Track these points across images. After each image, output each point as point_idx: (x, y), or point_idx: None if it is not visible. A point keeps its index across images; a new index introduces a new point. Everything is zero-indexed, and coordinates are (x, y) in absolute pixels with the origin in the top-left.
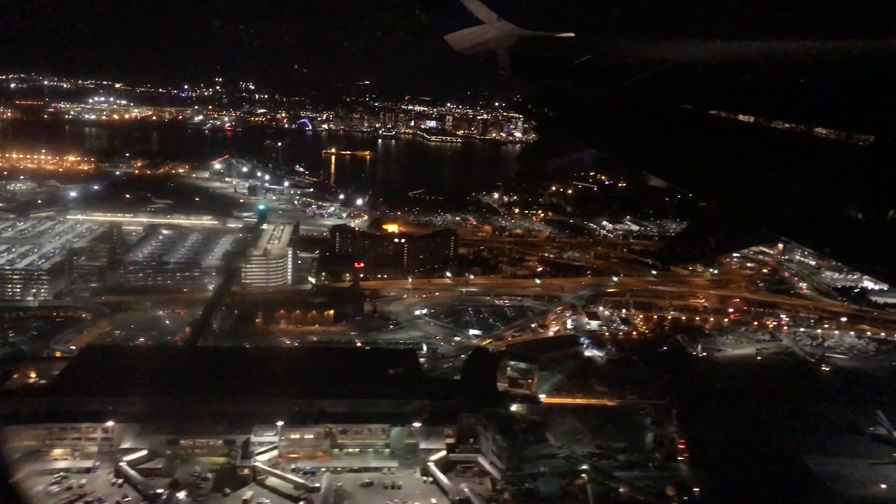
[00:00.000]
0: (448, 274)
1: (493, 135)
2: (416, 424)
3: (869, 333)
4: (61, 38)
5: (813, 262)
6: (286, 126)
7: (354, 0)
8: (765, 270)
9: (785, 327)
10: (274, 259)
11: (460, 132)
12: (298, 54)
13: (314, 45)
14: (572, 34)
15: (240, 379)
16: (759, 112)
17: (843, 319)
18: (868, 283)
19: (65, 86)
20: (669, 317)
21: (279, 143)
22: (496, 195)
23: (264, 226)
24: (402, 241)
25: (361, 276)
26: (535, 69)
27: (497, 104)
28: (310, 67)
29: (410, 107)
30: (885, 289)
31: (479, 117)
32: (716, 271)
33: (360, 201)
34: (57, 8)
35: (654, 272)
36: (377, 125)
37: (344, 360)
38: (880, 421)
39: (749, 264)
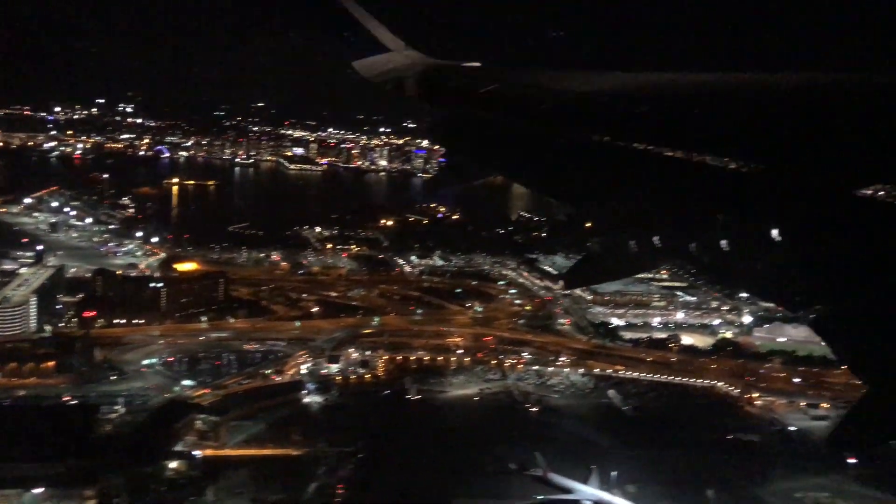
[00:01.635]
0: (203, 318)
1: (358, 163)
2: (37, 490)
3: (597, 370)
4: None
5: (590, 297)
6: (142, 153)
7: (234, 20)
8: (528, 308)
9: (520, 366)
10: (11, 307)
11: (325, 160)
12: (184, 76)
13: (201, 66)
14: (479, 64)
15: None
16: (655, 141)
17: (563, 359)
18: (616, 320)
19: None
20: (413, 357)
21: (105, 175)
22: (318, 229)
23: (22, 269)
24: (160, 284)
25: (117, 321)
26: (442, 97)
27: (382, 130)
28: (194, 90)
29: (290, 132)
30: (639, 324)
31: (342, 146)
32: (480, 309)
33: (156, 238)
34: None
35: (418, 311)
36: (240, 152)
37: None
38: (538, 462)
39: (518, 301)
